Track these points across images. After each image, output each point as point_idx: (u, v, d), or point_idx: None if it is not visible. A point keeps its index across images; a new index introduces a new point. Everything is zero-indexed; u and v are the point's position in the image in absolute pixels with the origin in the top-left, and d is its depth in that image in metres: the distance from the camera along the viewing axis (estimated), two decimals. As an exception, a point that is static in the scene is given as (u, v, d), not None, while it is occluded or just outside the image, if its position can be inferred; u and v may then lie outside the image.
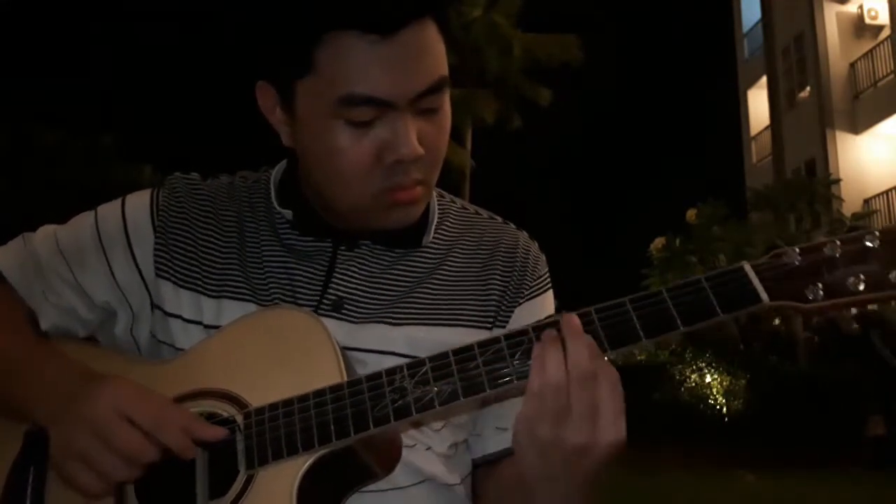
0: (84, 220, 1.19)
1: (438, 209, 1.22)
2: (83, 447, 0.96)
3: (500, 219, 1.26)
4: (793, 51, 21.15)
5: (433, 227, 1.19)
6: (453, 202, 1.26)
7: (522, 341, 0.96)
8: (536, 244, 1.25)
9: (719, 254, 13.13)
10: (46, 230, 1.21)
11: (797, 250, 0.96)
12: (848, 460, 9.86)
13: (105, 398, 0.97)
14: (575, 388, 0.91)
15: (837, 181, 14.99)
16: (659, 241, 13.69)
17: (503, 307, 1.17)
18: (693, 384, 14.36)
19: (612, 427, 0.92)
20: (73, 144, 19.15)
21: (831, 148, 19.11)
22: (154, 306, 1.14)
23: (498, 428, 1.16)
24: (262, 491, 0.97)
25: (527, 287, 1.19)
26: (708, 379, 14.16)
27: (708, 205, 13.51)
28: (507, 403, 1.13)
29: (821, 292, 0.94)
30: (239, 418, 1.00)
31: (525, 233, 1.25)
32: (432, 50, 1.03)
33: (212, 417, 1.01)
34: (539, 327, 0.96)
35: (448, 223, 1.22)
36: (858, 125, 19.12)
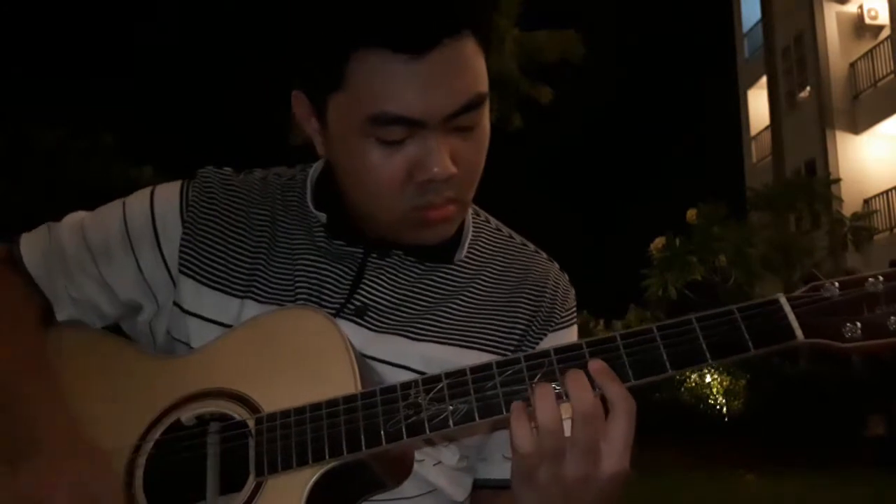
0: (112, 213, 1.16)
1: (473, 227, 1.19)
2: None
3: (532, 246, 1.23)
4: (793, 51, 21.14)
5: (466, 244, 1.17)
6: (488, 222, 1.23)
7: (543, 363, 0.93)
8: (566, 277, 1.22)
9: (719, 254, 13.11)
10: (73, 219, 1.18)
11: (836, 284, 0.91)
12: (848, 460, 9.86)
13: (38, 475, 0.95)
14: (577, 425, 0.89)
15: (837, 181, 14.97)
16: (659, 241, 13.65)
17: (528, 338, 1.14)
18: (693, 384, 14.36)
19: (616, 459, 0.90)
20: (73, 144, 19.12)
21: (831, 148, 19.11)
22: (173, 303, 1.12)
23: (506, 457, 1.13)
24: (271, 500, 0.96)
25: (556, 319, 1.17)
26: (708, 379, 14.17)
27: (708, 205, 13.49)
28: None
29: (859, 331, 0.89)
30: (251, 423, 0.99)
31: (556, 264, 1.22)
32: (469, 67, 0.98)
33: (223, 419, 1.01)
34: (561, 349, 0.94)
35: (481, 243, 1.19)
36: (858, 125, 19.12)
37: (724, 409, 13.83)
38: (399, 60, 0.94)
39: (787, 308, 0.91)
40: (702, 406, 14.12)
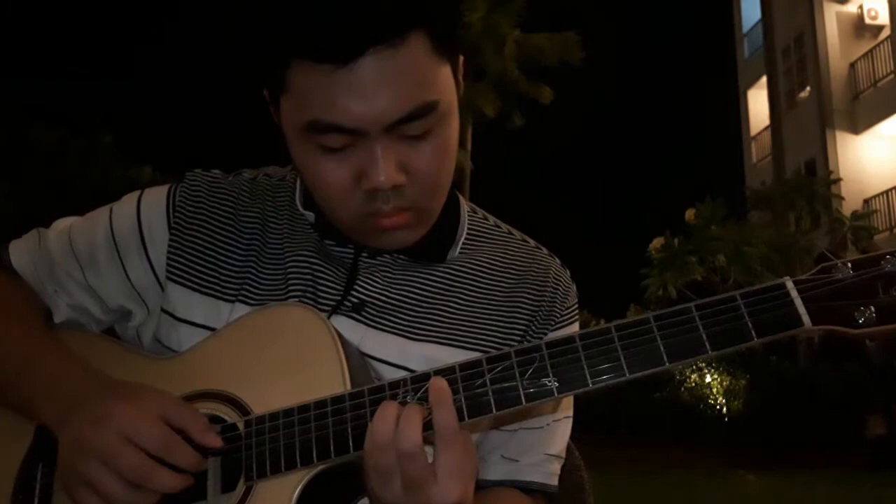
0: (99, 219, 1.15)
1: (468, 225, 1.17)
2: (88, 473, 0.92)
3: (532, 242, 1.21)
4: (793, 51, 21.14)
5: (460, 242, 1.15)
6: (486, 219, 1.21)
7: (534, 359, 0.90)
8: (568, 273, 1.19)
9: (718, 253, 13.12)
10: (61, 226, 1.18)
11: (849, 265, 0.84)
12: (848, 460, 9.86)
13: (109, 419, 0.93)
14: (403, 459, 0.87)
15: (838, 181, 14.96)
16: (658, 241, 13.65)
17: (529, 335, 1.12)
18: (693, 384, 14.35)
19: (447, 492, 0.88)
20: (73, 144, 19.13)
21: (831, 148, 19.10)
22: (162, 310, 1.11)
23: (504, 457, 1.12)
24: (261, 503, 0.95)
25: (556, 317, 1.14)
26: (708, 379, 14.16)
27: (707, 205, 13.49)
28: (518, 433, 1.11)
29: (873, 315, 0.81)
30: (240, 425, 0.98)
31: (557, 260, 1.19)
32: (410, 74, 0.93)
33: (215, 421, 1.00)
34: (552, 343, 0.91)
35: (478, 241, 1.17)
36: (858, 125, 19.11)
37: (724, 409, 13.82)
38: (324, 71, 0.91)
39: (794, 293, 0.85)
40: (702, 406, 14.11)
